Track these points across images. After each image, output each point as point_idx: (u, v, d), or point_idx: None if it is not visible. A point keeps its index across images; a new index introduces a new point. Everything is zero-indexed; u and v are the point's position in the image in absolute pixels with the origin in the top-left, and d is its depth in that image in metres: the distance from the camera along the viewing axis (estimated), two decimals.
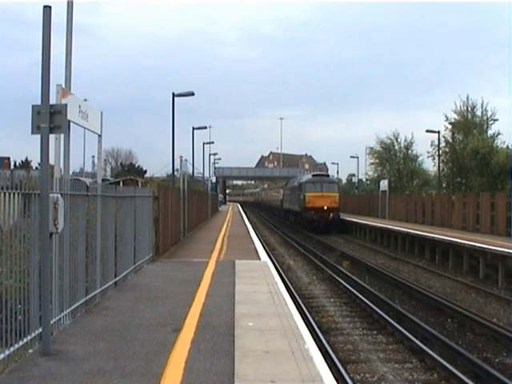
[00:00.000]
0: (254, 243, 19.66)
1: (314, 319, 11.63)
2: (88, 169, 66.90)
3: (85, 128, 7.95)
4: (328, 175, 46.53)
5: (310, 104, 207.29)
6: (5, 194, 5.44)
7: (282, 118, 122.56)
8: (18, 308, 5.66)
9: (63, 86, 7.44)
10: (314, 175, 43.31)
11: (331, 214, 37.67)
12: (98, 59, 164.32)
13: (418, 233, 24.96)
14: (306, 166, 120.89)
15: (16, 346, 5.59)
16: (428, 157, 49.80)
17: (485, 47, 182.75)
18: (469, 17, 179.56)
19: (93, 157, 64.45)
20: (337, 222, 38.15)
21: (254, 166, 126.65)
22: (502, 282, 17.04)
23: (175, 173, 30.83)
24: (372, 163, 59.41)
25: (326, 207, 37.69)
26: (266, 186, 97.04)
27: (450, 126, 46.94)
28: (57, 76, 7.32)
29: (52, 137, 6.43)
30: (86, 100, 11.41)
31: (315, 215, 37.71)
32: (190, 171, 45.20)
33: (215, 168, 69.19)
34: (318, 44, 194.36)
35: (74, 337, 6.52)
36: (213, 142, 50.85)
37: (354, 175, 77.01)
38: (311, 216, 37.91)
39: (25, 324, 5.79)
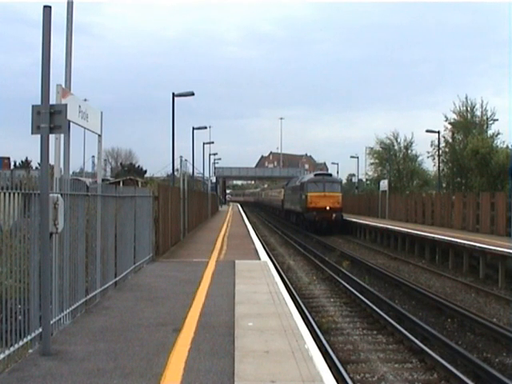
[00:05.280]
0: (254, 243, 19.65)
1: (313, 319, 11.63)
2: (88, 169, 67.02)
3: (85, 128, 7.95)
4: (330, 174, 44.99)
5: (310, 104, 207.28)
6: (5, 194, 5.44)
7: (282, 118, 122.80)
8: (18, 308, 5.66)
9: (63, 86, 7.44)
10: (316, 174, 42.36)
11: (334, 215, 36.83)
12: (98, 59, 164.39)
13: (418, 233, 24.95)
14: (306, 166, 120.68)
15: (16, 345, 5.59)
16: (428, 157, 49.80)
17: (485, 47, 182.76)
18: (469, 17, 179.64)
19: (93, 157, 64.60)
20: (339, 223, 37.39)
21: (254, 166, 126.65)
22: (501, 282, 17.04)
23: (175, 173, 30.84)
24: (372, 163, 59.46)
25: (328, 207, 36.87)
26: (266, 186, 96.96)
27: (449, 126, 47.01)
28: (57, 76, 7.34)
29: (52, 137, 6.43)
30: (86, 100, 11.43)
31: (317, 216, 36.90)
32: (190, 171, 45.22)
33: (215, 168, 69.18)
34: (318, 44, 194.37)
35: (74, 337, 6.52)
36: (213, 142, 50.88)
37: (354, 175, 76.97)
38: (313, 217, 37.13)
39: (25, 324, 5.79)
